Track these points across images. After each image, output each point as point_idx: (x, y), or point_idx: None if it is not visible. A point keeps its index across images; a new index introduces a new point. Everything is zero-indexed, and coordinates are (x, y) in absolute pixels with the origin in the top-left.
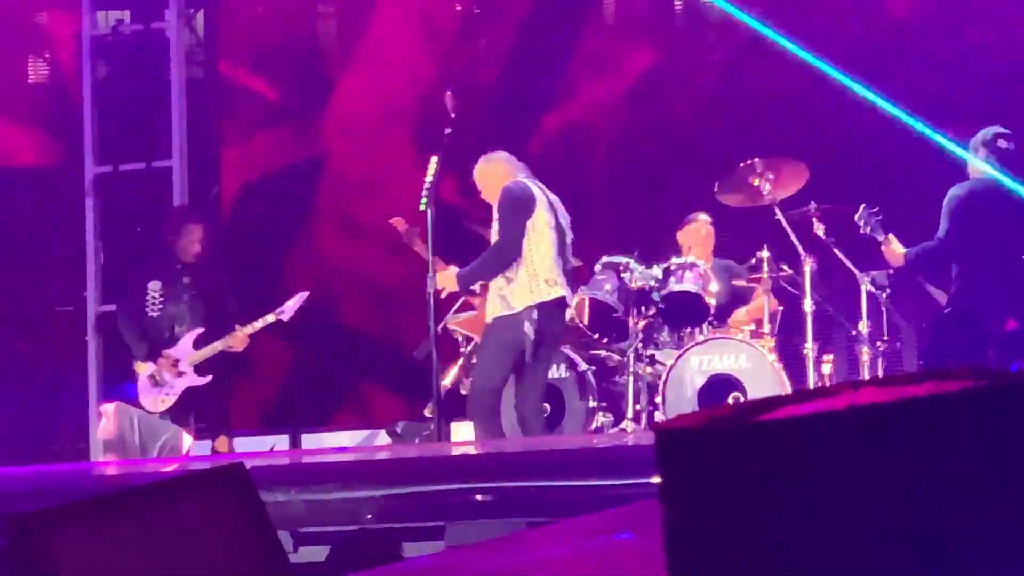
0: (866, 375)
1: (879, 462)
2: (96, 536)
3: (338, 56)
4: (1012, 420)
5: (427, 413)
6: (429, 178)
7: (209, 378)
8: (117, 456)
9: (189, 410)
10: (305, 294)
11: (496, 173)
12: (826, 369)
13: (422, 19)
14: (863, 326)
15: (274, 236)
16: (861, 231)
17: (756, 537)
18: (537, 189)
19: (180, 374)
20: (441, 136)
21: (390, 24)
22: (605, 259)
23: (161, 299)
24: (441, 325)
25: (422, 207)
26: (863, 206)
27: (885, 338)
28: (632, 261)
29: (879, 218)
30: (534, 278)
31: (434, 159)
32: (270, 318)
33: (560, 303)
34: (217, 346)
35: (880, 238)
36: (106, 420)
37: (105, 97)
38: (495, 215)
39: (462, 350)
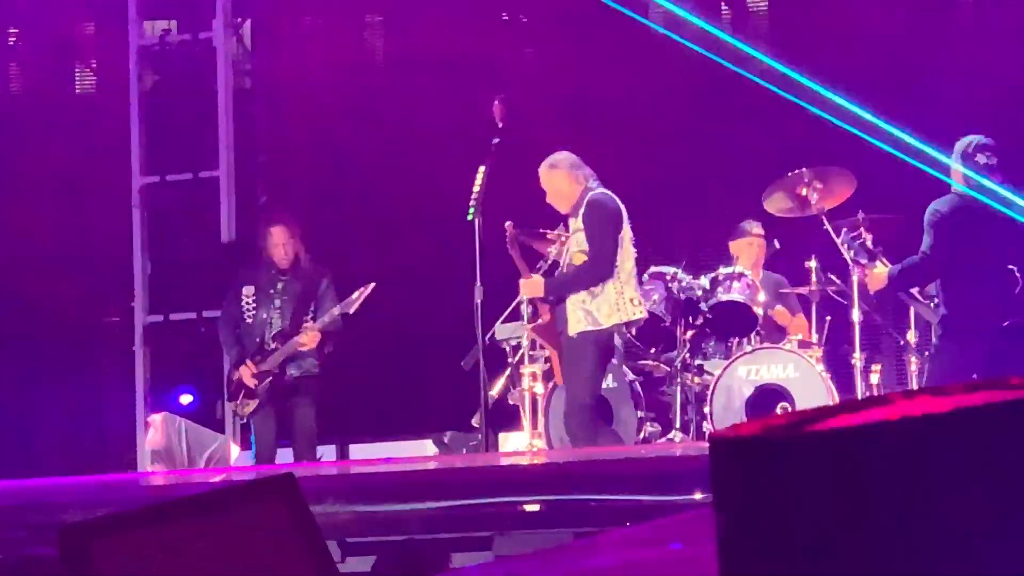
0: (914, 385)
1: (935, 472)
2: (145, 545)
3: (384, 64)
4: None
5: (474, 423)
6: (477, 188)
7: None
8: (164, 466)
9: (272, 417)
10: (371, 286)
11: (566, 178)
12: (874, 379)
13: (469, 28)
14: (911, 336)
15: (321, 245)
16: (844, 256)
17: (810, 548)
18: (619, 201)
19: (259, 381)
20: (489, 145)
21: (437, 33)
22: (653, 269)
23: (254, 304)
24: (489, 335)
25: (469, 217)
26: (844, 230)
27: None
28: (679, 271)
29: (860, 241)
30: (621, 295)
31: (482, 168)
32: (336, 311)
33: (637, 324)
34: (288, 348)
35: (863, 262)
36: (153, 430)
37: (152, 107)
38: (579, 224)
39: (509, 360)
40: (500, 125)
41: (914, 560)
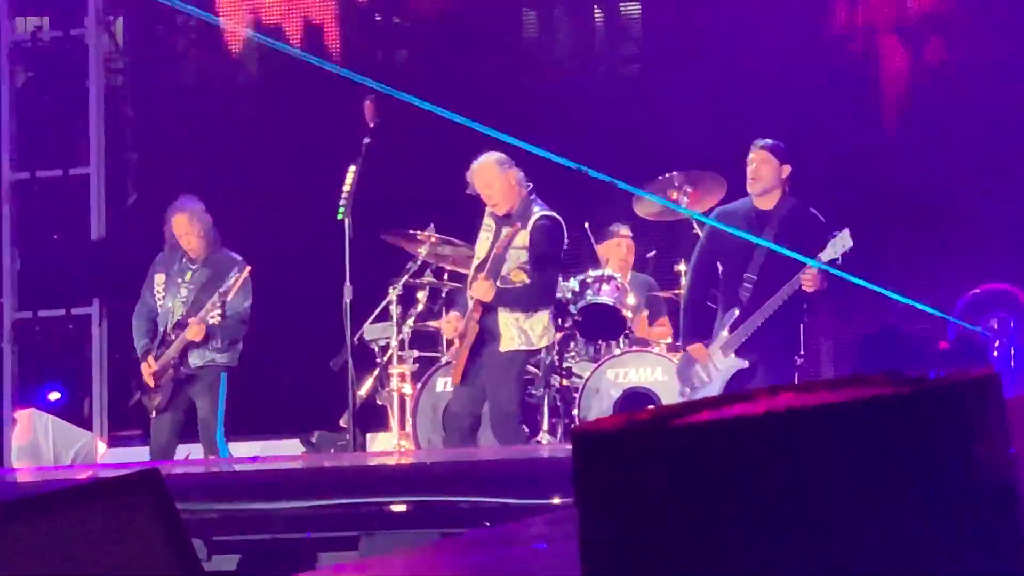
0: None
1: (795, 467)
2: (5, 541)
3: (256, 63)
4: (931, 426)
5: (342, 423)
6: (347, 187)
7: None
8: (30, 463)
9: (172, 412)
10: (246, 270)
11: (514, 179)
12: None
13: (342, 27)
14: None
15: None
16: None
17: (671, 542)
18: None
19: (159, 375)
20: (360, 145)
21: (309, 32)
22: None
23: (164, 294)
24: (358, 335)
25: (339, 216)
26: None
27: (803, 352)
28: None
29: None
30: (553, 319)
31: (352, 168)
32: (215, 299)
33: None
34: (182, 339)
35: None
36: (19, 427)
37: (23, 103)
38: (524, 240)
39: (378, 360)
40: (371, 125)
41: (772, 556)
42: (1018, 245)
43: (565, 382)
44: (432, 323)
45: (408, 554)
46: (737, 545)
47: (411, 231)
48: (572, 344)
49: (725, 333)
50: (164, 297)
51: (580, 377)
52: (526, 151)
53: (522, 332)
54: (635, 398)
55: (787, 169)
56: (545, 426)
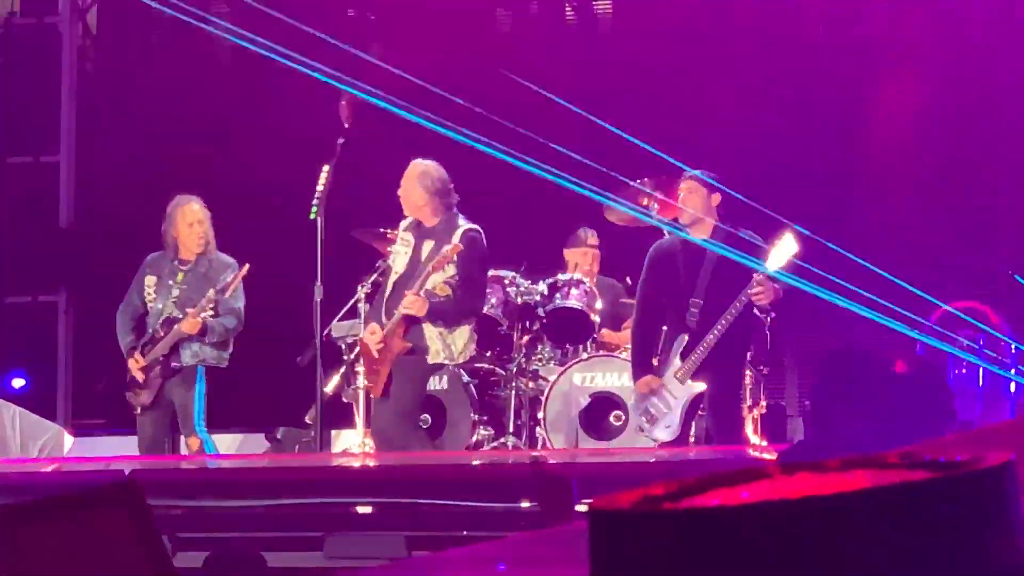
0: (748, 398)
1: (808, 555)
2: None
3: (231, 57)
4: (946, 515)
5: (308, 420)
6: (320, 187)
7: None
8: None
9: (159, 409)
10: (245, 268)
11: (436, 194)
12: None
13: (316, 23)
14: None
15: (157, 237)
16: None
17: None
18: None
19: (143, 375)
20: (334, 145)
21: (284, 27)
22: (491, 272)
23: (154, 295)
24: (325, 332)
25: (312, 215)
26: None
27: (768, 363)
28: (518, 275)
29: None
30: (472, 335)
31: (326, 168)
32: (211, 294)
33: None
34: (172, 335)
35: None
36: None
37: None
38: (445, 253)
39: (345, 358)
40: (346, 125)
41: None
42: (988, 262)
43: (531, 385)
44: (344, 336)
45: (375, 572)
46: None
47: (382, 230)
48: (539, 347)
49: (678, 361)
50: (155, 299)
51: (547, 380)
52: (482, 150)
53: (446, 347)
54: (602, 402)
55: (716, 198)
56: (511, 428)
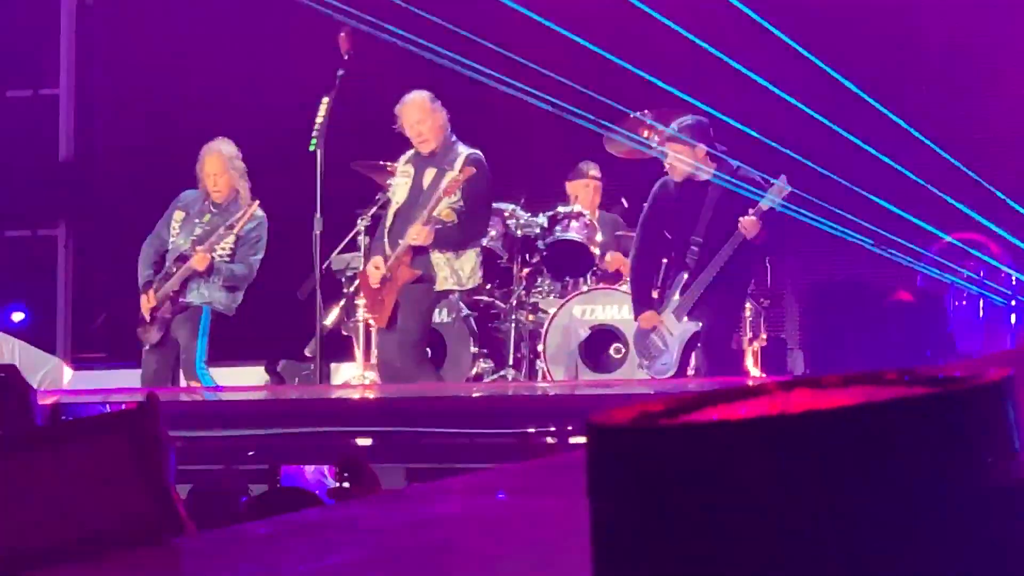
0: (748, 331)
1: (810, 472)
2: None
3: None
4: (946, 430)
5: (308, 352)
6: (319, 119)
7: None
8: None
9: (163, 346)
10: (255, 204)
11: (443, 120)
12: None
13: None
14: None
15: (158, 170)
16: None
17: (680, 539)
18: None
19: (153, 311)
20: (333, 77)
21: None
22: (492, 205)
23: (179, 231)
24: (325, 264)
25: (311, 147)
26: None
27: (769, 295)
28: (518, 208)
29: None
30: (479, 261)
31: (325, 100)
32: (223, 232)
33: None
34: (183, 271)
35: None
36: None
37: None
38: (452, 178)
39: (345, 290)
40: (345, 57)
41: (778, 559)
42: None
43: (531, 317)
44: (344, 269)
45: (379, 500)
46: (746, 546)
47: (381, 162)
48: (539, 279)
49: (676, 297)
50: (178, 234)
51: (546, 313)
52: (481, 80)
53: (453, 272)
54: (602, 335)
55: (701, 150)
56: (510, 361)
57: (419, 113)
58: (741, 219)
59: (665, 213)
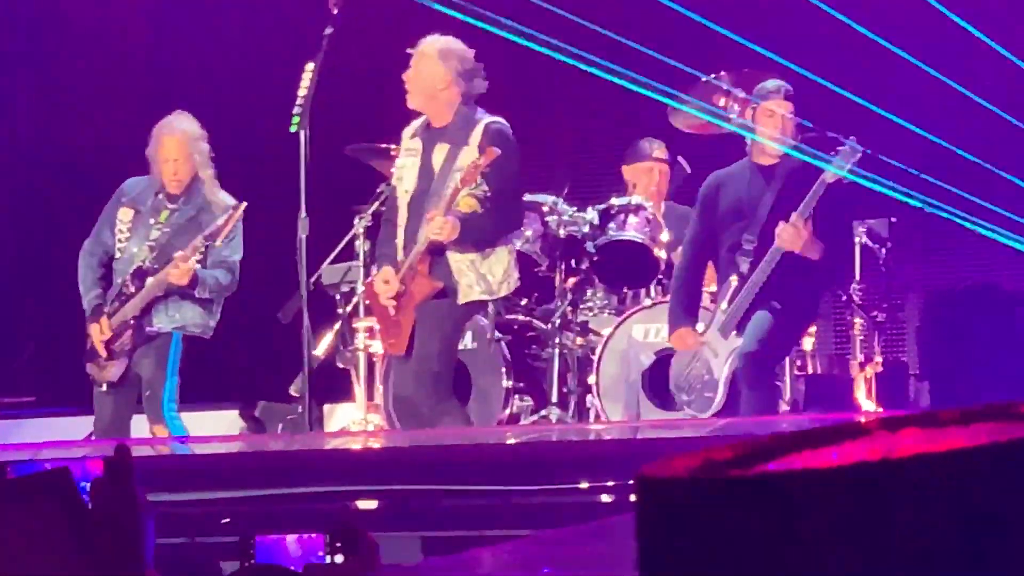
0: (859, 353)
1: (920, 533)
2: None
3: None
4: None
5: (293, 391)
6: (303, 91)
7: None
8: None
9: (124, 384)
10: (241, 207)
11: (451, 79)
12: (807, 344)
13: None
14: (855, 290)
15: (104, 160)
16: None
17: None
18: None
19: (108, 342)
20: (319, 37)
21: None
22: (526, 197)
23: (128, 235)
24: (314, 279)
25: (293, 128)
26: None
27: (884, 306)
28: (560, 201)
29: None
30: (512, 260)
31: (310, 66)
32: (199, 242)
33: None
34: (147, 291)
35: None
36: None
37: None
38: (470, 156)
39: (339, 311)
40: (334, 11)
41: None
42: None
43: (580, 341)
44: (338, 283)
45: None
46: None
47: (383, 145)
48: (589, 292)
49: (724, 306)
50: (128, 240)
51: (599, 335)
52: (508, 38)
53: (481, 278)
54: (670, 363)
55: (790, 123)
56: (554, 397)
57: (425, 70)
58: (780, 226)
59: (715, 211)
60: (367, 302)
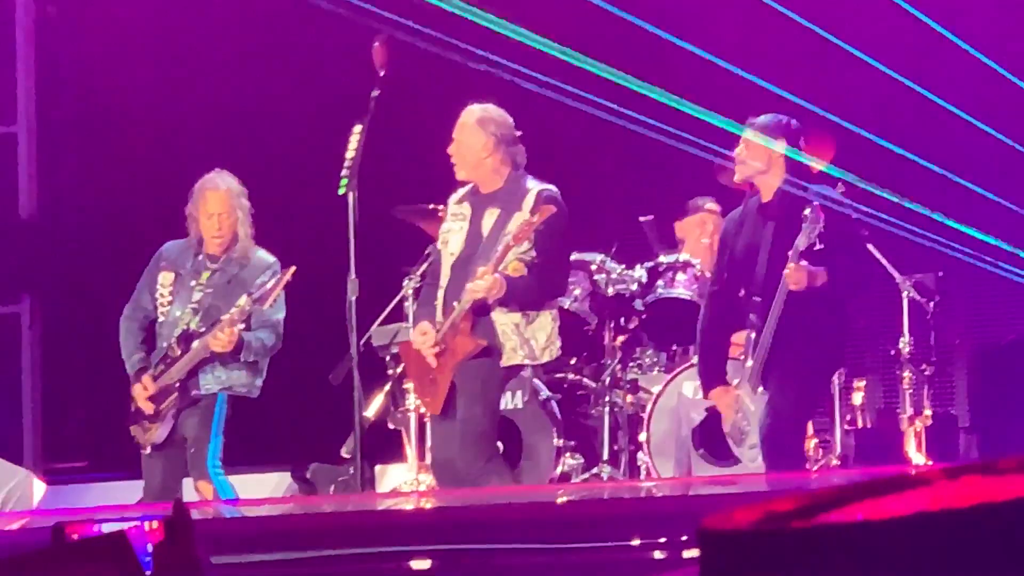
0: (908, 406)
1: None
2: None
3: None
4: None
5: (345, 453)
6: (350, 153)
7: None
8: None
9: (172, 448)
10: (291, 270)
11: (492, 147)
12: (856, 399)
13: None
14: (904, 344)
15: (144, 225)
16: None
17: None
18: None
19: (158, 401)
20: (367, 99)
21: None
22: (574, 256)
23: (170, 298)
24: (364, 340)
25: (341, 190)
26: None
27: (933, 359)
28: (608, 259)
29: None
30: (556, 327)
31: (358, 128)
32: (244, 302)
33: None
34: (193, 354)
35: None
36: None
37: None
38: (522, 219)
39: (390, 372)
40: (381, 73)
41: None
42: None
43: (630, 399)
44: (388, 344)
45: None
46: None
47: (431, 206)
48: (638, 350)
49: (749, 363)
50: (171, 304)
51: (649, 393)
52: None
53: (525, 342)
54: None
55: (781, 146)
56: (605, 455)
57: (461, 133)
58: (787, 268)
59: (730, 260)
60: (400, 364)
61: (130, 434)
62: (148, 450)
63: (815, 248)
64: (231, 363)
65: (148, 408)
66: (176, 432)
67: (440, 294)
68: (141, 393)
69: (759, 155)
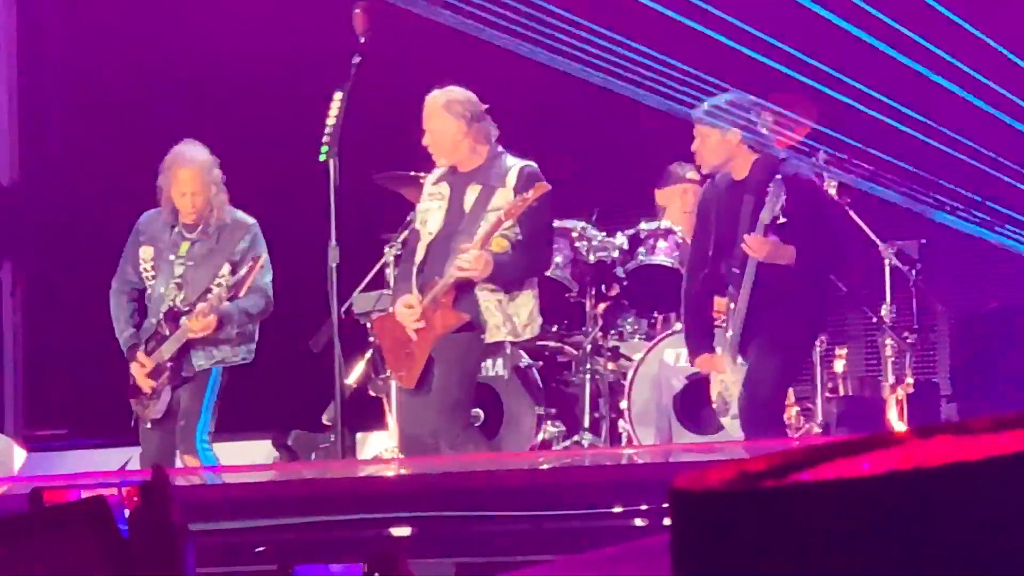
0: (890, 374)
1: (955, 541)
2: None
3: None
4: None
5: (326, 420)
6: (331, 120)
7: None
8: None
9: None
10: (261, 258)
11: (463, 129)
12: (838, 366)
13: None
14: (886, 311)
15: (128, 192)
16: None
17: None
18: None
19: (155, 378)
20: (348, 65)
21: None
22: (555, 223)
23: (153, 273)
24: (345, 307)
25: (322, 157)
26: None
27: (915, 327)
28: (589, 226)
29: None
30: (537, 304)
31: (338, 95)
32: (226, 273)
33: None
34: (180, 334)
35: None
36: None
37: None
38: (503, 199)
39: (371, 339)
40: (362, 39)
41: None
42: None
43: (611, 366)
44: (370, 312)
45: None
46: None
47: (412, 173)
48: (620, 317)
49: (729, 333)
50: (155, 278)
51: (630, 360)
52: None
53: (507, 319)
54: (702, 386)
55: (735, 135)
56: (586, 422)
57: (439, 123)
58: (745, 238)
59: (708, 229)
60: (373, 337)
61: (116, 403)
62: (148, 424)
63: (778, 221)
64: (220, 339)
65: (147, 386)
66: (172, 407)
67: (414, 273)
68: (139, 371)
69: (717, 151)
